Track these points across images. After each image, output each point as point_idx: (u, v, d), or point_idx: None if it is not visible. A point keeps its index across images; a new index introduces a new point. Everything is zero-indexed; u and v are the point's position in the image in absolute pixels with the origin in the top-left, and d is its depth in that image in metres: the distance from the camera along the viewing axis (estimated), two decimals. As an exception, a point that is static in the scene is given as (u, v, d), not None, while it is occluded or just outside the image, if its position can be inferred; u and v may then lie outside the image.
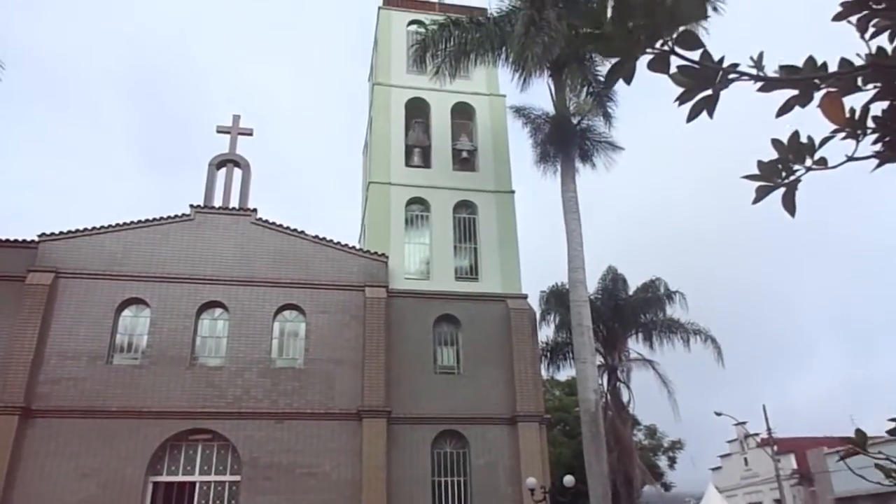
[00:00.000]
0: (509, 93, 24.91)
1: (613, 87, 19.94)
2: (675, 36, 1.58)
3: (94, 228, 19.65)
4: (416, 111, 24.30)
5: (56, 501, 16.62)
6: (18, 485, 16.57)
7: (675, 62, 1.65)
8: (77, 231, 19.51)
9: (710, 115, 1.74)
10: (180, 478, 18.01)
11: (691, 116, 1.72)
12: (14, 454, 16.68)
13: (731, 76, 1.64)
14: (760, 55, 1.65)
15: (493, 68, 23.31)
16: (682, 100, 1.70)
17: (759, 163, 1.92)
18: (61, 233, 19.38)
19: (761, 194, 1.94)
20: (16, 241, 19.15)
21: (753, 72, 1.63)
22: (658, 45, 1.60)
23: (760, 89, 1.67)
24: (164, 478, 17.92)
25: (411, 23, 25.67)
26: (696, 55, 1.61)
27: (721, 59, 1.64)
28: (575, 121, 21.04)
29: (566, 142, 20.01)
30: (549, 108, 21.09)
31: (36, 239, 19.16)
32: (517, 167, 23.84)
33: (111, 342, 18.67)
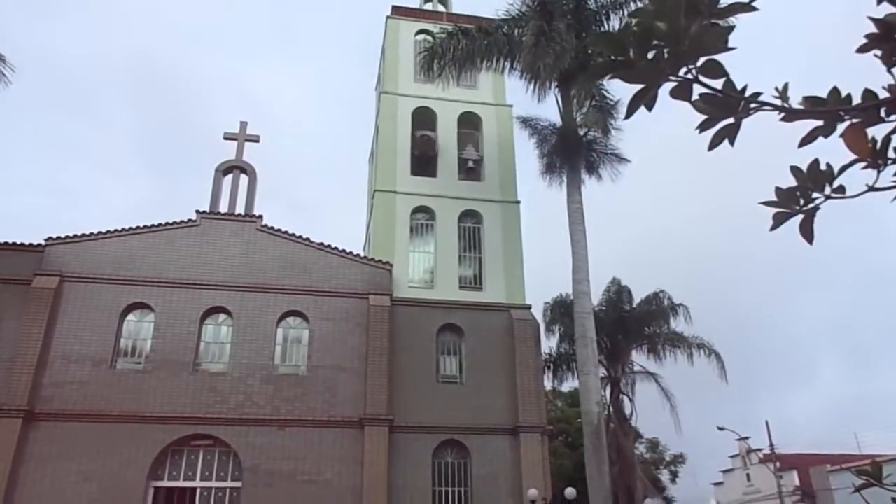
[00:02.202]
0: (516, 103, 24.98)
1: (617, 102, 20.00)
2: (698, 64, 1.58)
3: (100, 233, 19.72)
4: (423, 120, 24.37)
5: (57, 505, 16.59)
6: (21, 487, 16.56)
7: (697, 89, 1.65)
8: (83, 235, 19.58)
9: (732, 143, 1.74)
10: (181, 483, 17.99)
11: (713, 144, 1.72)
12: (17, 457, 16.68)
13: (754, 105, 1.64)
14: (785, 86, 1.65)
15: (500, 78, 23.39)
16: (703, 127, 1.70)
17: (777, 189, 1.91)
18: (67, 237, 19.44)
19: (779, 221, 1.93)
20: (22, 244, 19.22)
21: (777, 102, 1.63)
22: (682, 72, 1.60)
23: (783, 119, 1.67)
24: (166, 483, 17.90)
25: (419, 32, 25.79)
26: (718, 83, 1.61)
27: (744, 89, 1.64)
28: (581, 132, 21.08)
29: (572, 153, 20.04)
30: (556, 119, 21.16)
31: (42, 243, 19.22)
32: (523, 177, 23.86)
33: (115, 346, 18.69)
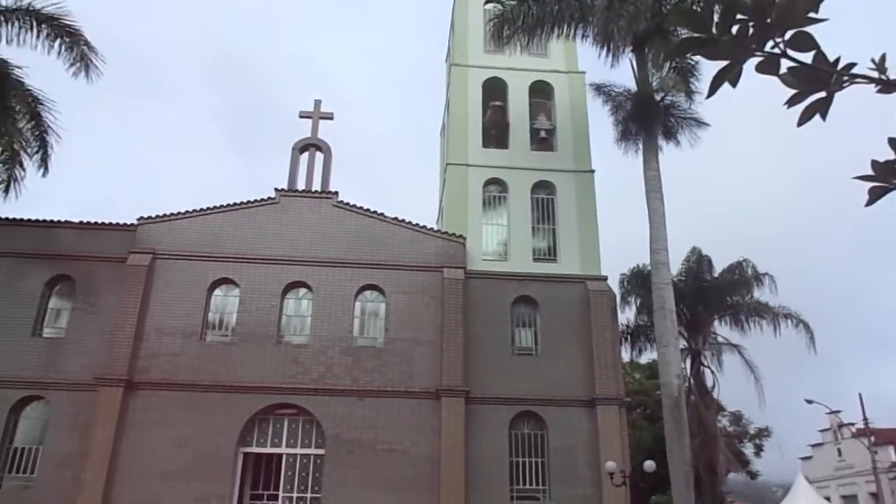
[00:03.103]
0: (589, 69, 24.36)
1: (697, 63, 19.18)
2: (786, 37, 1.52)
3: (187, 212, 20.63)
4: (494, 91, 24.12)
5: (156, 468, 17.75)
6: (123, 452, 17.79)
7: (785, 63, 1.58)
8: (172, 214, 20.54)
9: (824, 117, 1.66)
10: (268, 450, 18.86)
11: (803, 119, 1.65)
12: (119, 423, 17.90)
13: (847, 78, 1.56)
14: (883, 57, 1.56)
15: (572, 45, 22.81)
16: (792, 102, 1.63)
17: (874, 163, 1.81)
18: (157, 216, 20.44)
19: (875, 195, 1.84)
20: (117, 224, 20.36)
21: (874, 74, 1.54)
22: (768, 46, 1.53)
23: (880, 91, 1.58)
24: (254, 449, 18.81)
25: (488, 1, 25.39)
26: (808, 56, 1.54)
27: (836, 61, 1.55)
28: (658, 97, 20.39)
29: (649, 119, 19.41)
30: (631, 84, 20.51)
31: (135, 222, 20.30)
32: (597, 146, 23.31)
33: (204, 320, 19.63)
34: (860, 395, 30.69)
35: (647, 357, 32.08)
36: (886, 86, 1.56)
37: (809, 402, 30.37)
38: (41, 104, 19.07)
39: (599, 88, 21.67)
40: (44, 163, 19.50)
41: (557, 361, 20.08)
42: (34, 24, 18.13)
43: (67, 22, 18.41)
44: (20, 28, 18.00)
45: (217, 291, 20.14)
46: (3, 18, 17.84)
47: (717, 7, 1.52)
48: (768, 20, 1.47)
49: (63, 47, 18.46)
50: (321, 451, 18.70)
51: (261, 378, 18.93)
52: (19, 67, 18.48)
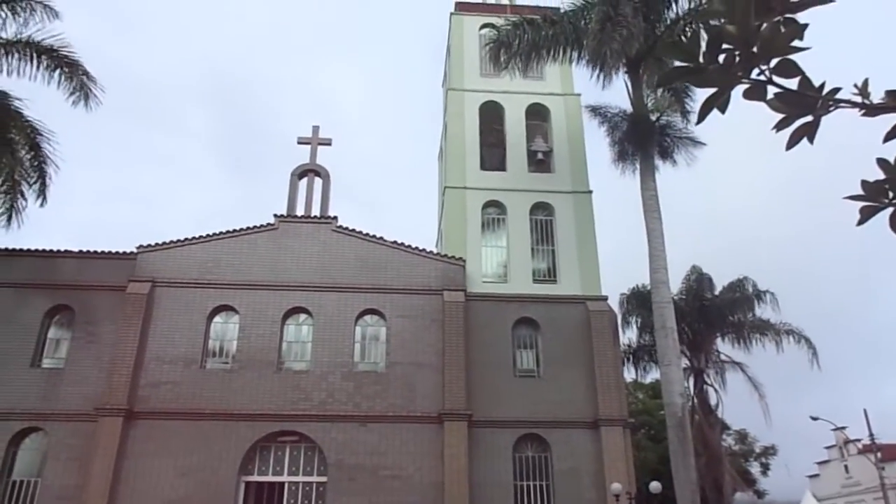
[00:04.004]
0: (585, 92, 24.60)
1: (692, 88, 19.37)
2: (772, 64, 1.57)
3: (186, 239, 20.69)
4: (491, 114, 24.34)
5: (157, 498, 17.59)
6: (123, 483, 17.63)
7: (772, 89, 1.63)
8: (171, 242, 20.60)
9: (811, 141, 1.71)
10: (270, 478, 18.70)
11: (791, 143, 1.69)
12: (119, 453, 17.77)
13: (833, 102, 1.61)
14: (865, 82, 1.61)
15: (568, 68, 23.07)
16: (780, 127, 1.68)
17: (864, 182, 1.86)
18: (157, 244, 20.49)
19: (866, 215, 1.88)
20: (117, 252, 20.41)
21: (857, 99, 1.59)
22: (755, 73, 1.58)
23: (864, 115, 1.63)
24: (256, 478, 18.65)
25: (484, 26, 25.73)
26: (794, 83, 1.59)
27: (822, 86, 1.60)
28: (653, 117, 20.58)
29: (645, 139, 19.58)
30: (626, 105, 20.72)
31: (134, 250, 20.35)
32: (594, 167, 23.50)
33: (204, 347, 19.59)
34: (865, 410, 30.55)
35: (650, 377, 31.97)
36: (870, 110, 1.61)
37: (815, 418, 30.24)
38: (40, 135, 19.23)
39: (595, 110, 21.89)
40: (42, 193, 19.59)
41: (560, 383, 20.01)
42: (34, 55, 18.35)
43: (67, 53, 18.66)
44: (20, 59, 18.22)
45: (217, 318, 20.13)
46: (3, 51, 18.06)
47: (703, 37, 1.57)
48: (753, 49, 1.52)
49: (63, 77, 18.68)
50: (323, 479, 18.55)
51: (262, 405, 18.84)
52: (19, 99, 18.68)
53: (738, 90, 1.63)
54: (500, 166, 23.69)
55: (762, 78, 1.58)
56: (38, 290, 19.60)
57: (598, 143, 23.23)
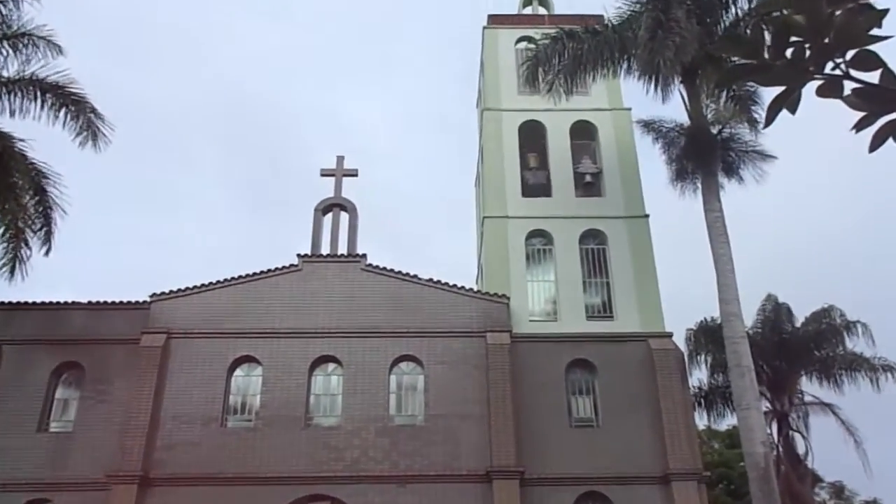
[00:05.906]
0: (635, 105, 24.59)
1: (758, 88, 19.22)
2: (847, 57, 1.54)
3: (203, 285, 21.04)
4: (531, 135, 24.43)
5: (177, 574, 17.59)
6: (140, 557, 17.70)
7: (849, 84, 1.60)
8: (187, 289, 20.97)
9: (898, 140, 1.66)
10: (301, 549, 18.59)
11: (874, 145, 1.65)
12: (135, 524, 17.87)
13: (922, 96, 1.57)
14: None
15: (615, 80, 23.10)
16: (860, 127, 1.64)
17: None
18: (171, 291, 20.89)
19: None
20: (129, 302, 20.85)
21: (950, 90, 1.55)
22: (828, 68, 1.56)
23: (960, 108, 1.58)
24: (284, 549, 18.55)
25: (520, 40, 26.02)
26: (874, 76, 1.56)
27: (908, 78, 1.57)
28: (715, 130, 20.43)
29: (706, 154, 19.41)
30: (683, 118, 20.62)
31: (148, 299, 20.76)
32: (649, 188, 23.32)
33: (224, 403, 19.75)
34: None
35: (727, 423, 31.14)
36: (966, 102, 1.57)
37: (923, 468, 28.95)
38: (46, 178, 19.83)
39: (648, 125, 21.83)
40: (48, 240, 20.08)
41: (622, 432, 19.61)
42: (38, 93, 19.07)
43: (73, 90, 19.34)
44: (23, 98, 18.94)
45: (238, 371, 20.32)
46: (5, 90, 18.79)
47: (768, 30, 1.55)
48: (826, 40, 1.50)
49: (69, 116, 19.36)
50: (359, 548, 18.36)
51: (289, 467, 18.83)
52: (22, 140, 19.29)
53: (811, 87, 1.61)
54: (545, 192, 23.67)
55: (837, 72, 1.55)
56: (44, 347, 20.06)
57: (652, 162, 23.10)
